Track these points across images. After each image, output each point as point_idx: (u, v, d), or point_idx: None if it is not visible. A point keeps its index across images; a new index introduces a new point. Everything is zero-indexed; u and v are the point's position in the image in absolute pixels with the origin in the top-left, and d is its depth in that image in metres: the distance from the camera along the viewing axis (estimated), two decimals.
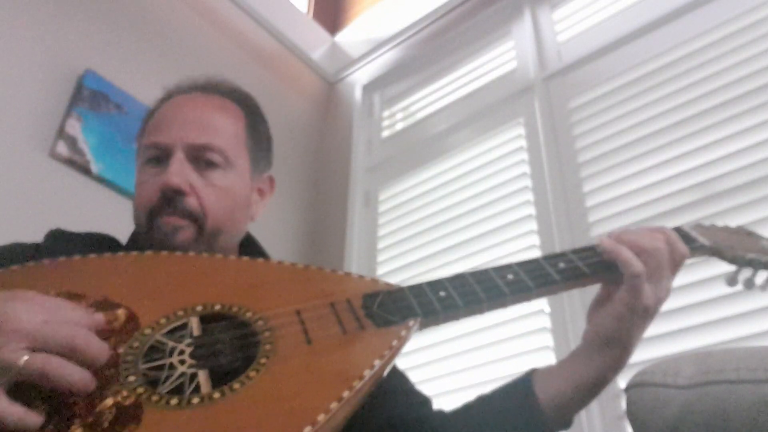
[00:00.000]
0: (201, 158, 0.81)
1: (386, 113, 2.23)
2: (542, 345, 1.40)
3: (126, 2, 1.82)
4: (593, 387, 0.68)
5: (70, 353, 0.48)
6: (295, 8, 2.33)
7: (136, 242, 0.84)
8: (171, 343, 0.56)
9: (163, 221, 0.77)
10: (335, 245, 1.96)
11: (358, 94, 2.29)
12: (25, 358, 0.46)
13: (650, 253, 0.67)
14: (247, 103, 0.90)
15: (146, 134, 0.85)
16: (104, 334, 0.54)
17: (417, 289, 0.66)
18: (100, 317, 0.54)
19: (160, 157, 0.81)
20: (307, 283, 0.66)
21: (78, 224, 0.89)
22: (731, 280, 0.78)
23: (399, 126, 2.16)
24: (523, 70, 1.86)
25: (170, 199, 0.77)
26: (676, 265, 0.71)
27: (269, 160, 0.93)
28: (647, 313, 0.67)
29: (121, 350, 0.54)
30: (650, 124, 1.50)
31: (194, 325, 0.59)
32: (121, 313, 0.58)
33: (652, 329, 1.22)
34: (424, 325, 0.63)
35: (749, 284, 0.77)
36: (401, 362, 0.85)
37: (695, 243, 0.75)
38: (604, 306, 0.68)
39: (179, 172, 0.78)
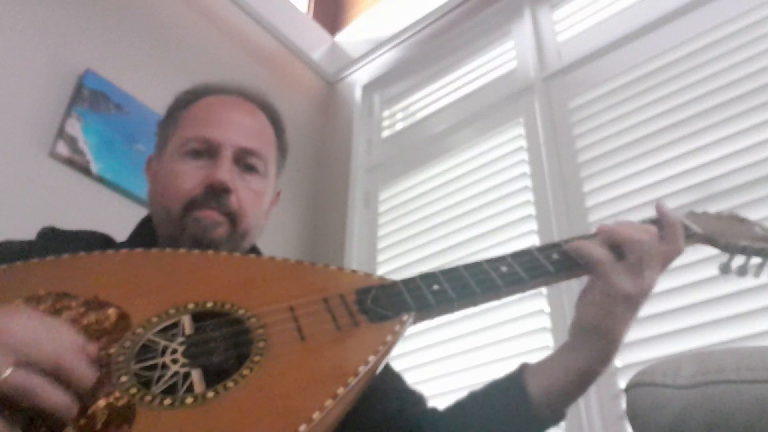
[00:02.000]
0: (244, 161, 0.83)
1: (386, 113, 2.23)
2: (542, 345, 1.40)
3: (126, 2, 1.82)
4: (581, 379, 0.68)
5: (54, 373, 0.47)
6: (295, 8, 2.33)
7: (145, 236, 0.83)
8: (163, 342, 0.56)
9: (202, 214, 0.78)
10: (335, 245, 1.96)
11: (358, 94, 2.29)
12: (7, 372, 0.45)
13: (631, 243, 0.67)
14: (276, 116, 0.94)
15: (186, 125, 0.85)
16: (96, 334, 0.54)
17: (410, 283, 0.65)
18: (92, 345, 0.52)
19: (205, 151, 0.81)
20: (299, 279, 0.66)
21: (78, 224, 0.89)
22: (724, 267, 0.78)
23: (399, 126, 2.16)
24: (523, 70, 1.86)
25: (215, 194, 0.78)
26: (669, 259, 0.70)
27: (282, 175, 0.96)
28: (629, 302, 0.66)
29: (112, 350, 0.54)
30: (650, 124, 1.49)
31: (186, 323, 0.58)
32: (111, 312, 0.57)
33: (652, 329, 1.24)
34: (418, 319, 0.63)
35: (742, 271, 0.77)
36: (401, 363, 0.85)
37: (688, 231, 0.75)
38: (588, 294, 0.69)
39: (229, 171, 0.79)
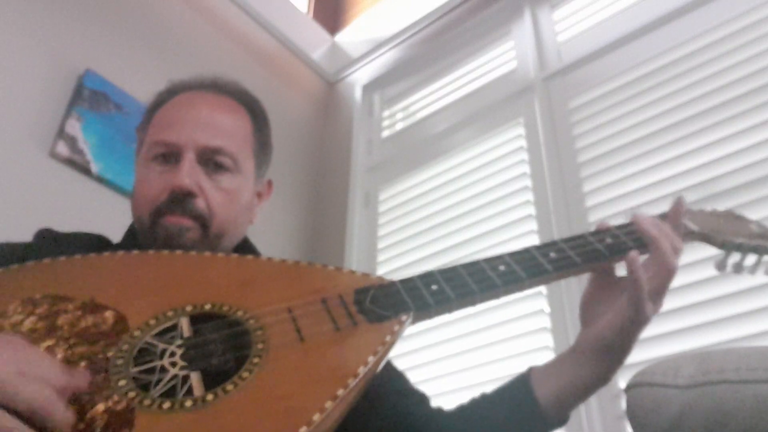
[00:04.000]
0: (211, 160, 0.80)
1: (386, 113, 2.22)
2: (542, 345, 1.40)
3: (126, 2, 1.82)
4: (592, 387, 0.69)
5: (31, 415, 0.45)
6: (295, 8, 2.33)
7: (134, 240, 0.82)
8: (161, 345, 0.55)
9: (169, 221, 0.76)
10: (335, 245, 1.96)
11: (358, 94, 2.29)
12: None
13: (669, 269, 0.67)
14: (254, 106, 0.90)
15: (152, 129, 0.84)
16: (93, 337, 0.54)
17: (409, 283, 0.65)
18: (79, 380, 0.49)
19: (169, 155, 0.80)
20: (297, 280, 0.65)
21: (78, 224, 0.89)
22: (720, 264, 0.78)
23: (399, 126, 2.16)
24: (523, 70, 1.86)
25: (179, 200, 0.77)
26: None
27: (269, 164, 0.93)
28: (646, 324, 0.67)
29: (110, 354, 0.53)
30: (650, 124, 1.49)
31: (184, 325, 0.58)
32: (108, 315, 0.57)
33: (652, 329, 1.23)
34: (417, 319, 0.63)
35: (738, 268, 0.77)
36: (401, 363, 0.85)
37: (685, 228, 0.75)
38: (604, 317, 0.69)
39: (191, 174, 0.77)
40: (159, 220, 0.77)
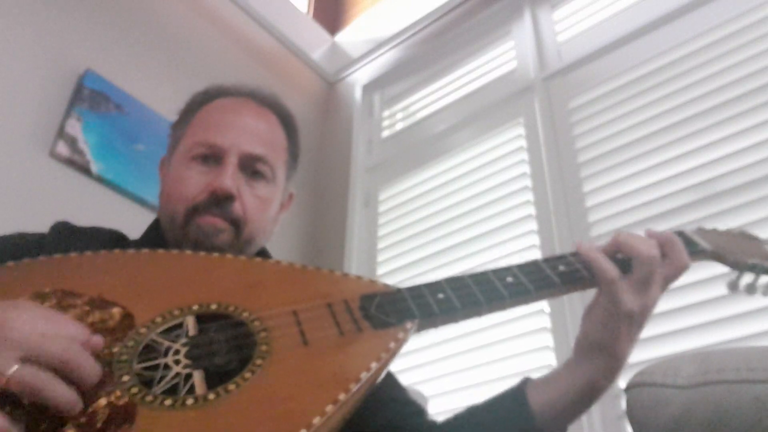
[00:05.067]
0: (250, 167, 0.82)
1: (386, 113, 2.23)
2: (542, 345, 1.40)
3: (126, 2, 1.82)
4: (585, 394, 0.67)
5: (60, 368, 0.47)
6: (295, 8, 2.33)
7: (156, 236, 0.83)
8: (166, 343, 0.56)
9: (205, 221, 0.77)
10: (335, 245, 1.96)
11: (358, 94, 2.29)
12: (14, 368, 0.45)
13: (642, 259, 0.65)
14: (289, 121, 0.92)
15: (193, 129, 0.85)
16: (99, 333, 0.54)
17: (415, 291, 0.65)
18: (98, 339, 0.51)
19: (210, 156, 0.81)
20: (304, 284, 0.66)
21: (78, 224, 0.89)
22: (733, 285, 0.77)
23: (399, 126, 2.16)
24: (523, 70, 1.86)
25: (219, 201, 0.78)
26: (676, 275, 0.69)
27: (294, 178, 0.94)
28: (632, 320, 0.65)
29: (115, 349, 0.54)
30: (650, 124, 1.49)
31: (190, 324, 0.58)
32: (116, 311, 0.57)
33: (652, 329, 1.24)
34: (421, 327, 0.63)
35: (751, 289, 0.76)
36: (401, 362, 0.84)
37: (697, 247, 0.74)
38: (593, 311, 0.68)
39: (233, 178, 0.79)
40: (194, 219, 0.78)
